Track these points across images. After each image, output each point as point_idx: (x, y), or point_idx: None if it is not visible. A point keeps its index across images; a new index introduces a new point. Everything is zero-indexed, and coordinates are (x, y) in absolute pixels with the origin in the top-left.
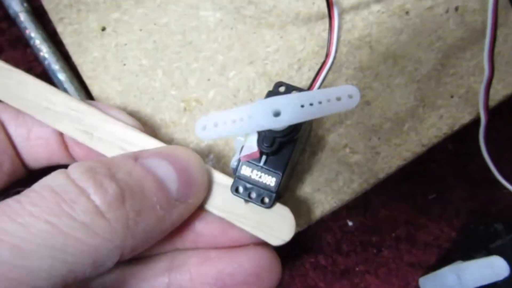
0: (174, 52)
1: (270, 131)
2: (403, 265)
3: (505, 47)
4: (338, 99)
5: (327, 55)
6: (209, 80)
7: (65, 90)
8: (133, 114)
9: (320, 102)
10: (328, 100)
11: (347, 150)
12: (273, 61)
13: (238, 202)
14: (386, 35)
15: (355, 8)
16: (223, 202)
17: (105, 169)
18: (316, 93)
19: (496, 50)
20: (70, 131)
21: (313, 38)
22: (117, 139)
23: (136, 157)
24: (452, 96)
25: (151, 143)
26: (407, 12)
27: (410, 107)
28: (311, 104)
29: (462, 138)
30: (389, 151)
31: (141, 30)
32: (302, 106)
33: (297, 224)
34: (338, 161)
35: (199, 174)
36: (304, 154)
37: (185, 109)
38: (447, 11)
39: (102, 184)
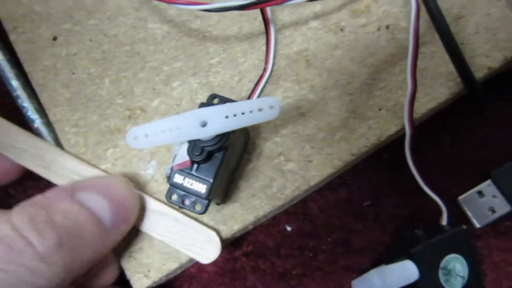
0: (122, 62)
1: (199, 140)
2: (338, 269)
3: (431, 63)
4: (260, 109)
5: (264, 69)
6: (154, 89)
7: (17, 97)
8: (80, 121)
9: (243, 113)
10: (251, 111)
11: (282, 158)
12: (215, 72)
13: (170, 225)
14: (322, 50)
15: (295, 24)
16: (156, 224)
17: (45, 216)
18: (239, 104)
19: (423, 66)
20: (31, 166)
21: (254, 52)
22: (69, 171)
23: (72, 190)
24: (380, 109)
25: (95, 173)
26: (342, 29)
27: (342, 118)
28: (235, 115)
29: (395, 149)
30: (321, 160)
31: (91, 40)
32: (227, 117)
33: (233, 228)
34: (272, 168)
35: (131, 204)
36: (241, 162)
37: (129, 117)
38: (379, 29)
39: (42, 233)
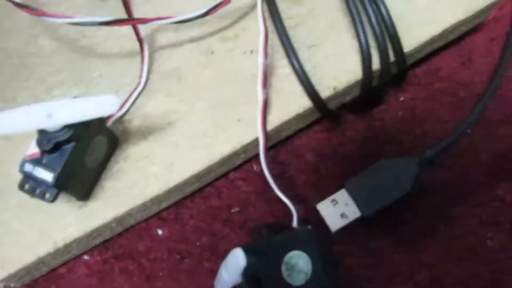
0: (9, 72)
1: (46, 131)
2: (203, 271)
3: (286, 82)
4: (99, 105)
5: (138, 83)
6: (36, 97)
7: None
8: None
9: (83, 107)
10: (94, 107)
11: (146, 161)
12: (95, 84)
13: None
14: (193, 69)
15: (171, 45)
16: None
17: None
18: (82, 100)
19: (279, 85)
20: None
21: (133, 68)
22: None
23: None
24: (239, 120)
25: None
26: (212, 52)
27: (205, 127)
28: (76, 109)
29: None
30: (182, 164)
31: None
32: (71, 110)
33: (93, 224)
34: (137, 170)
35: None
36: (107, 164)
37: None
38: (244, 53)
39: None
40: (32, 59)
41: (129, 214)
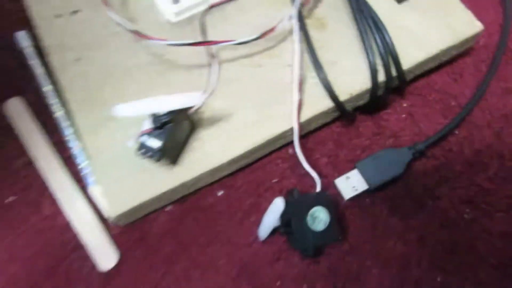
0: (117, 79)
1: (156, 114)
2: (250, 223)
3: (316, 89)
4: (190, 99)
5: (210, 86)
6: (138, 97)
7: None
8: None
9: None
10: (183, 99)
11: (213, 140)
12: (180, 87)
13: None
14: (246, 77)
15: (231, 60)
16: None
17: None
18: (177, 95)
19: (311, 91)
20: None
21: (204, 75)
22: None
23: None
24: (280, 115)
25: None
26: (260, 65)
27: (255, 119)
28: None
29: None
30: (239, 144)
31: None
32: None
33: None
34: (206, 146)
35: None
36: (188, 141)
37: None
38: (284, 66)
39: None
40: (133, 70)
41: (200, 178)
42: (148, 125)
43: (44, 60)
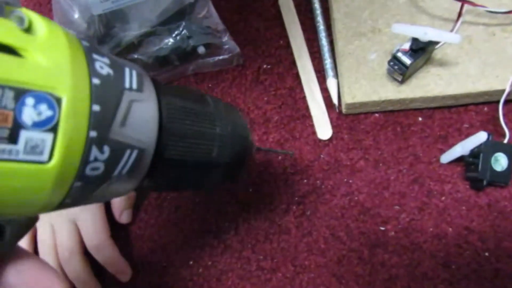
0: (380, 5)
1: (417, 39)
2: (439, 139)
3: None
4: (450, 37)
5: (454, 34)
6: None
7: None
8: None
9: (441, 34)
10: (444, 34)
11: (442, 72)
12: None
13: None
14: (478, 39)
15: (476, 24)
16: None
17: None
18: (441, 31)
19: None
20: None
21: (449, 26)
22: None
23: None
24: (497, 76)
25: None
26: (494, 34)
27: (477, 73)
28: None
29: None
30: (455, 84)
31: None
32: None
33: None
34: (431, 78)
35: None
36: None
37: None
38: None
39: None
40: (389, 3)
41: (416, 99)
42: (406, 46)
43: None
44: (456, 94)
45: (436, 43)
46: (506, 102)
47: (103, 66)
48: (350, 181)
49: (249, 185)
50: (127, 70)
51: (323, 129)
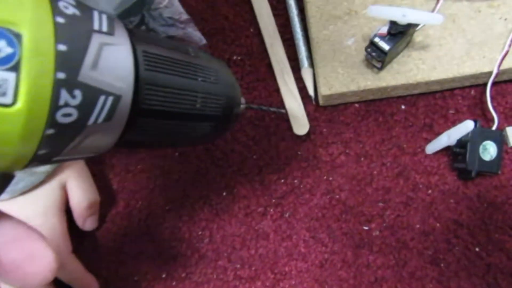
0: None
1: (396, 23)
2: (423, 129)
3: None
4: (431, 18)
5: (434, 14)
6: (390, 4)
7: None
8: None
9: (420, 15)
10: (424, 16)
11: (420, 61)
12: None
13: None
14: (463, 17)
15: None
16: None
17: None
18: (420, 11)
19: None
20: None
21: (430, 6)
22: None
23: None
24: (484, 57)
25: None
26: (479, 11)
27: (461, 54)
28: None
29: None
30: (439, 70)
31: None
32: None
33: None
34: (413, 63)
35: None
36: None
37: None
38: (500, 18)
39: None
40: None
41: (397, 87)
42: (384, 30)
43: None
44: (440, 79)
45: (417, 25)
46: (494, 83)
47: (67, 6)
48: (331, 178)
49: (223, 188)
50: (95, 13)
51: (300, 124)
